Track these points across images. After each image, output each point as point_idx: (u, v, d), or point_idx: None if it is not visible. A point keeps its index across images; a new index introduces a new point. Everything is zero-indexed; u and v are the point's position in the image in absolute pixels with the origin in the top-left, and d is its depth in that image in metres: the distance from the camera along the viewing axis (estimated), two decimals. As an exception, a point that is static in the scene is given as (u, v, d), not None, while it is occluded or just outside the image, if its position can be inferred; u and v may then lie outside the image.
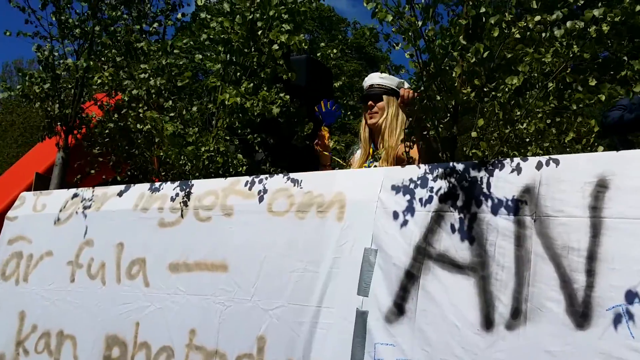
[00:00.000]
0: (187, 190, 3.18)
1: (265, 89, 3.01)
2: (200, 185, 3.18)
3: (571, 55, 2.28)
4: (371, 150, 3.51)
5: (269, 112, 2.90)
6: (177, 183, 3.27)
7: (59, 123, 4.05)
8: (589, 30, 2.25)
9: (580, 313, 1.98)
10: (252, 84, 3.07)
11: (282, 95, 3.01)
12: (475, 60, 2.36)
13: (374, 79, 3.50)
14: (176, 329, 2.92)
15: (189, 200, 3.15)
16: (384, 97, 3.45)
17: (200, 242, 3.01)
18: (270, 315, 2.68)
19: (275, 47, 3.07)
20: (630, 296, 1.90)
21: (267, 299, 2.71)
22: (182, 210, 3.13)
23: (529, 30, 2.31)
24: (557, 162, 2.22)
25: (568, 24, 2.26)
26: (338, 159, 3.40)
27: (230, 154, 3.26)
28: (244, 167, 3.28)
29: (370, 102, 3.46)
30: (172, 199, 3.21)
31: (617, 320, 1.90)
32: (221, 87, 3.02)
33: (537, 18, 2.30)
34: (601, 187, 2.08)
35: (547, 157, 2.25)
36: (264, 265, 2.76)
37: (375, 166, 3.34)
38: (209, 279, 2.91)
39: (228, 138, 3.30)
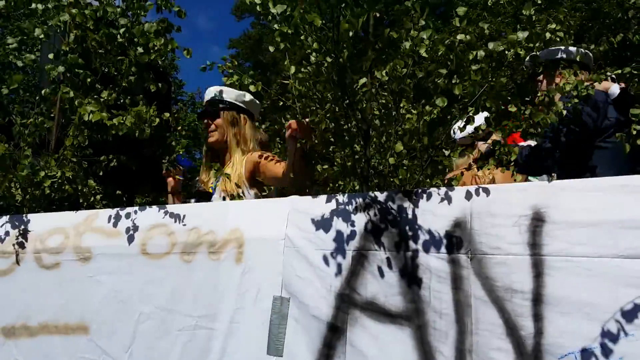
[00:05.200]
0: (23, 227, 2.46)
1: (141, 103, 2.42)
2: (41, 222, 2.48)
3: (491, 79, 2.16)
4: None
5: (140, 132, 2.33)
6: (5, 218, 2.53)
7: None
8: (507, 54, 2.14)
9: (532, 363, 1.81)
10: (112, 95, 2.46)
11: (165, 114, 2.44)
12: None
13: (210, 93, 3.10)
14: (17, 414, 2.23)
15: (26, 241, 2.43)
16: (222, 113, 3.05)
17: (47, 297, 2.34)
18: (152, 386, 2.14)
19: (140, 50, 2.51)
20: (582, 342, 1.78)
21: (147, 366, 2.16)
22: (17, 255, 2.41)
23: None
24: (487, 192, 2.04)
25: (490, 45, 2.12)
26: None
27: (79, 180, 2.61)
28: (98, 197, 2.65)
29: (207, 120, 3.07)
30: (1, 240, 2.46)
31: (571, 368, 1.77)
32: (75, 97, 2.36)
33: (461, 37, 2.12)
34: (537, 220, 1.95)
35: (475, 186, 2.08)
36: (141, 323, 2.20)
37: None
38: (63, 345, 2.27)
39: (75, 160, 2.64)
